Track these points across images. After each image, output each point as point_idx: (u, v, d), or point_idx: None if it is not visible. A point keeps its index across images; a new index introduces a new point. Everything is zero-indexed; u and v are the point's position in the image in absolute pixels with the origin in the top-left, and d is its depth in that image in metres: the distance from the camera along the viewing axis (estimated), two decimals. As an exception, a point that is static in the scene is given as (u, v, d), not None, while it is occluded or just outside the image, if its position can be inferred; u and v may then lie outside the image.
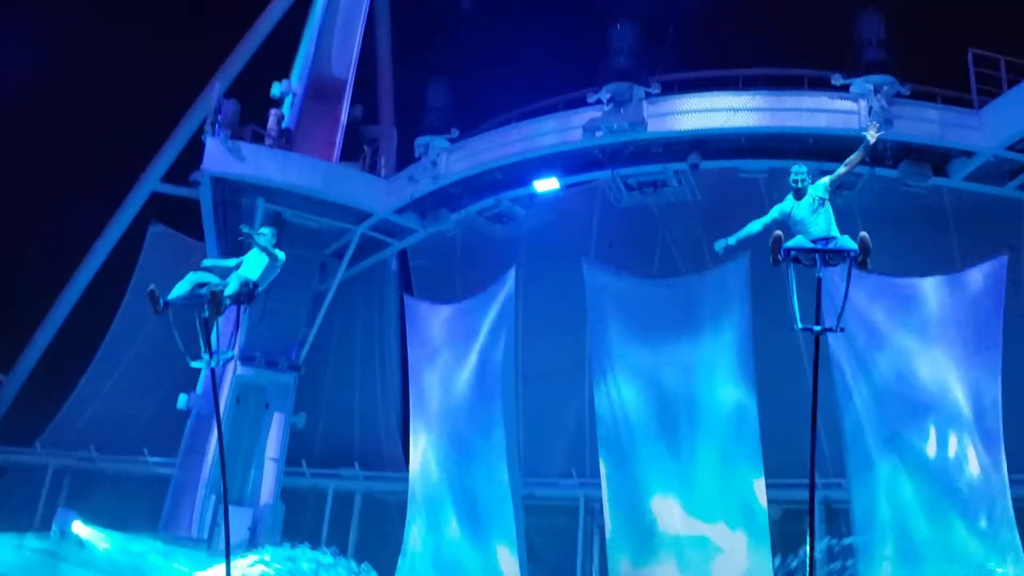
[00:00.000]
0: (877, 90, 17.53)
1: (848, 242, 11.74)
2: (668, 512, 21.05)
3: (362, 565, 20.83)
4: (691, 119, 18.66)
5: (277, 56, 26.90)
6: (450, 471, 23.00)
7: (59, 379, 28.80)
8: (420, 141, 21.53)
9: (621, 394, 21.96)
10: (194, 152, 23.89)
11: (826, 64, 18.27)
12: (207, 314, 13.12)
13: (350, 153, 25.20)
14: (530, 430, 22.96)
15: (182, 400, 23.04)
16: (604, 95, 19.04)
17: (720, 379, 20.91)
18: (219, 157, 21.87)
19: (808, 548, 11.61)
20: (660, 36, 19.87)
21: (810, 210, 12.13)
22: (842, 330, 12.37)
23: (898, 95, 17.72)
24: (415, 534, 23.06)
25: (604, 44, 19.29)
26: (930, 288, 19.50)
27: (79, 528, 21.55)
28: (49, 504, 26.54)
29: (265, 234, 13.12)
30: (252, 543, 21.80)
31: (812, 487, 12.08)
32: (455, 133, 21.27)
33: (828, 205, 12.20)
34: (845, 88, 17.90)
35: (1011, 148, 17.34)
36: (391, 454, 27.84)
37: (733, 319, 20.72)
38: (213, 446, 21.98)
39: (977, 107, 17.44)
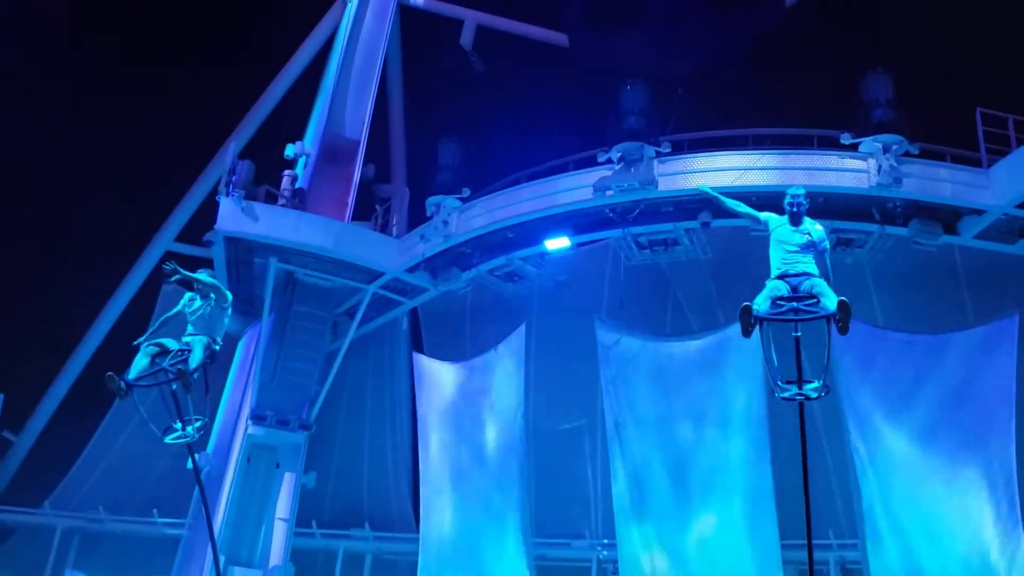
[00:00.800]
0: (886, 149, 17.61)
1: (829, 303, 11.08)
2: (683, 574, 20.84)
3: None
4: (701, 178, 18.68)
5: (292, 117, 27.25)
6: (461, 532, 22.85)
7: (68, 440, 28.72)
8: (432, 200, 21.64)
9: (634, 454, 21.84)
10: (208, 212, 24.09)
11: (835, 124, 18.39)
12: (175, 387, 13.17)
13: (362, 212, 25.37)
14: (541, 490, 22.81)
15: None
16: (615, 154, 19.16)
17: (734, 439, 20.80)
18: (233, 217, 22.00)
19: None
20: (670, 96, 20.07)
21: (797, 242, 11.68)
22: (827, 392, 11.70)
23: (907, 154, 17.79)
24: (427, 596, 22.93)
25: (614, 104, 19.44)
26: (942, 346, 19.46)
27: (87, 589, 21.43)
28: (58, 565, 26.39)
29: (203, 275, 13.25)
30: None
31: (810, 550, 12.16)
32: (466, 192, 21.38)
33: (826, 257, 11.78)
34: (854, 147, 17.98)
35: (1021, 206, 17.35)
36: (401, 514, 27.63)
37: (746, 378, 20.66)
38: (223, 507, 21.86)
39: (986, 166, 17.48)
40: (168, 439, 13.74)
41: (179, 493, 24.53)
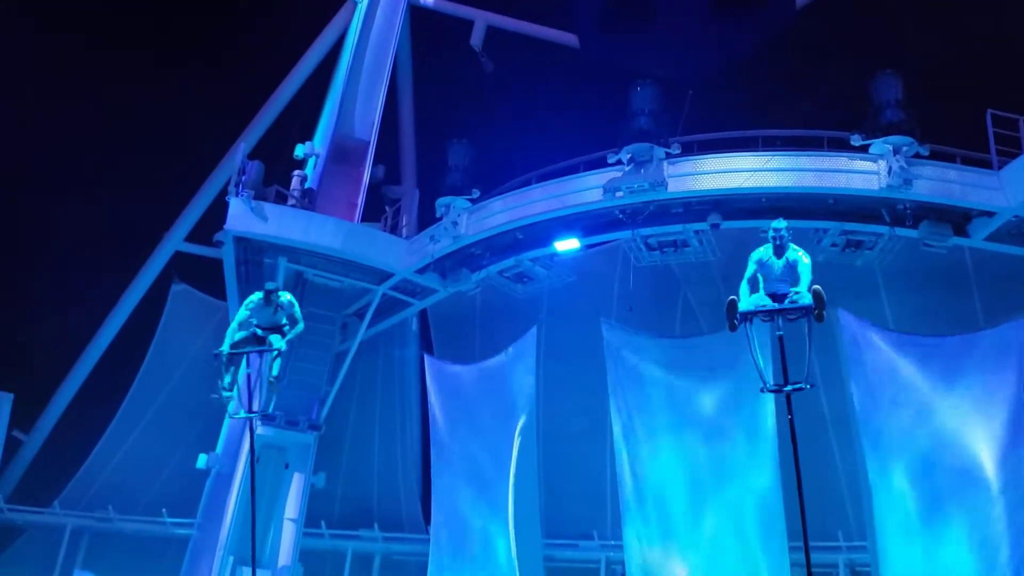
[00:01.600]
0: (896, 151, 17.54)
1: (805, 298, 12.41)
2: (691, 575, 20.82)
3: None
4: (711, 179, 18.69)
5: (302, 117, 27.31)
6: (473, 532, 22.86)
7: (78, 439, 28.85)
8: (441, 201, 21.62)
9: (642, 455, 21.81)
10: (217, 212, 24.14)
11: (845, 125, 18.34)
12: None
13: (372, 213, 25.40)
14: (550, 491, 22.84)
15: (202, 460, 22.97)
16: (624, 156, 19.11)
17: (741, 439, 20.77)
18: (242, 217, 22.00)
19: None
20: (680, 97, 20.05)
21: (784, 269, 12.99)
22: (812, 386, 12.88)
23: (917, 156, 17.73)
24: (437, 597, 22.95)
25: (624, 105, 19.40)
26: (952, 348, 19.40)
27: (96, 589, 21.51)
28: (67, 565, 26.52)
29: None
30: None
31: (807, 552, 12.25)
32: (476, 194, 21.36)
33: (808, 270, 12.91)
34: (865, 149, 17.92)
35: (1031, 208, 17.32)
36: (411, 515, 27.70)
37: (754, 379, 20.58)
38: (232, 507, 21.89)
39: (996, 167, 17.42)
40: (234, 412, 15.55)
41: (188, 493, 24.61)
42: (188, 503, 24.86)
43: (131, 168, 28.90)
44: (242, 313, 15.72)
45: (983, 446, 18.71)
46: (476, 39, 29.15)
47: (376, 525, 26.82)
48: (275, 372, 15.59)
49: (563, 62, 28.54)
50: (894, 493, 19.36)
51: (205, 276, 28.13)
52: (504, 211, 20.90)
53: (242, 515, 21.90)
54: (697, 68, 23.95)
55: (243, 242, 22.53)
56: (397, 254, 22.92)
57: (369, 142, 26.26)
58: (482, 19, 29.40)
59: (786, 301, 12.69)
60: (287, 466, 22.97)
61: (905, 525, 19.07)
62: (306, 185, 24.03)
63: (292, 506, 22.66)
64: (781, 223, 13.32)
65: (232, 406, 15.78)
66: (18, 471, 28.45)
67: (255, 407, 15.45)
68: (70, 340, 29.30)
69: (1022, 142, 17.28)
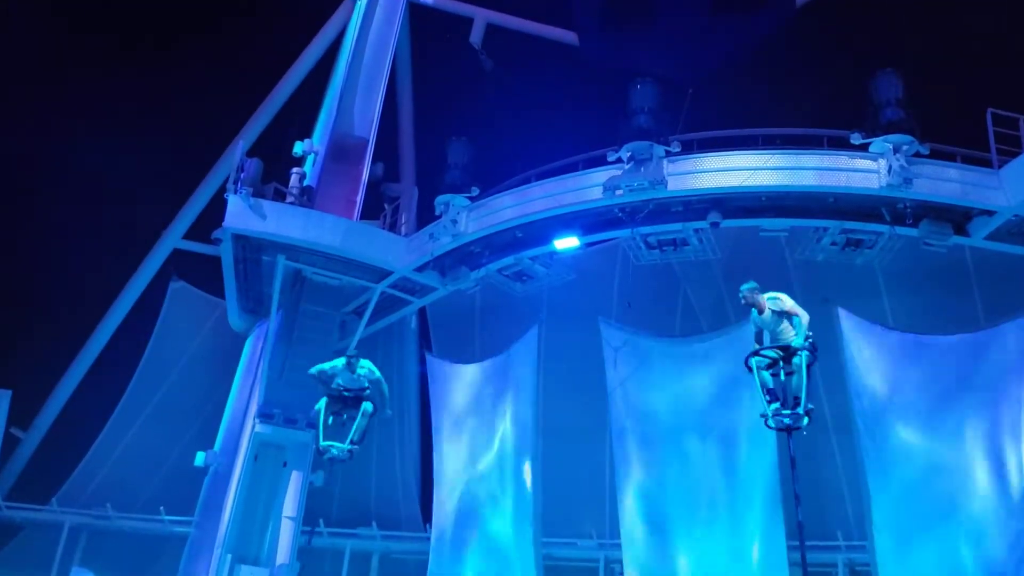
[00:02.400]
0: (897, 149, 17.48)
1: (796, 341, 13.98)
2: (690, 575, 20.81)
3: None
4: (711, 178, 18.64)
5: (301, 115, 27.28)
6: (473, 531, 22.88)
7: (76, 436, 28.84)
8: (440, 199, 21.55)
9: (640, 454, 21.82)
10: (216, 210, 24.10)
11: (845, 124, 18.29)
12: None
13: (371, 211, 25.33)
14: (548, 489, 22.79)
15: (200, 458, 22.92)
16: (624, 154, 19.05)
17: (740, 438, 20.77)
18: (241, 214, 21.94)
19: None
20: (680, 95, 19.97)
21: (775, 322, 14.37)
22: (808, 413, 13.95)
23: (918, 154, 17.67)
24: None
25: (624, 103, 19.34)
26: (952, 347, 19.40)
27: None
28: (65, 562, 26.49)
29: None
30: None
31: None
32: (475, 192, 21.29)
33: (791, 310, 14.27)
34: (865, 147, 17.87)
35: (1032, 207, 17.28)
36: (409, 513, 27.69)
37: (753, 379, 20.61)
38: (230, 505, 21.84)
39: (997, 166, 17.38)
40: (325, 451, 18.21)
41: (186, 491, 24.59)
42: (186, 501, 24.83)
43: (130, 165, 28.83)
44: (326, 374, 18.63)
45: (983, 445, 18.72)
46: (476, 37, 29.09)
47: (374, 524, 26.79)
48: (356, 436, 18.40)
49: (563, 60, 28.51)
50: (893, 492, 19.38)
51: (203, 274, 28.14)
52: (503, 209, 20.83)
53: (240, 513, 21.87)
54: (697, 66, 23.91)
55: (242, 240, 22.49)
56: (396, 252, 22.86)
57: (368, 139, 26.18)
58: (482, 17, 29.35)
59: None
60: (285, 464, 22.92)
61: (904, 525, 19.08)
62: (305, 183, 23.96)
63: (290, 504, 22.59)
64: (744, 287, 14.54)
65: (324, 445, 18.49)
66: (16, 468, 28.45)
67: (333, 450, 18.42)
68: (68, 337, 29.30)
69: (1022, 141, 17.24)
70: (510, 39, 29.08)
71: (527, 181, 20.77)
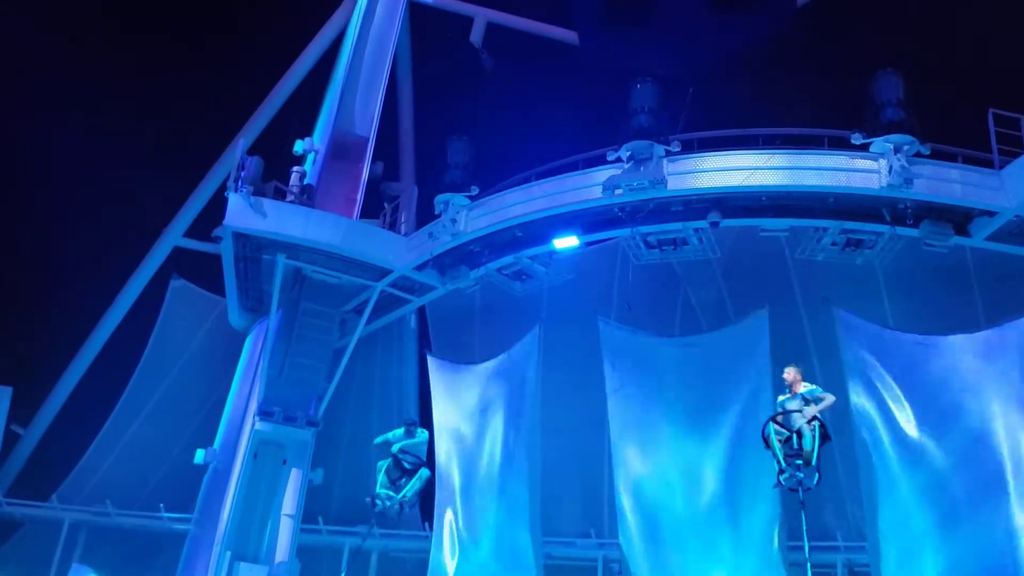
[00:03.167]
0: (897, 149, 17.45)
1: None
2: (688, 574, 20.83)
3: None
4: (711, 177, 18.63)
5: (301, 113, 27.27)
6: (474, 530, 22.91)
7: (77, 433, 28.84)
8: (440, 198, 21.53)
9: (639, 454, 21.83)
10: (216, 208, 24.10)
11: (846, 124, 18.27)
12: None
13: (371, 210, 25.32)
14: (547, 488, 22.79)
15: (199, 455, 22.96)
16: (624, 153, 19.04)
17: (740, 438, 20.77)
18: (241, 213, 21.95)
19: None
20: (680, 95, 19.95)
21: (799, 404, 15.72)
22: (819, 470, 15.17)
23: (918, 155, 17.65)
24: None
25: (624, 103, 19.32)
26: (953, 348, 19.39)
27: (93, 583, 21.49)
28: (64, 559, 26.45)
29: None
30: (268, 601, 21.68)
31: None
32: (475, 191, 21.27)
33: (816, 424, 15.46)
34: (865, 147, 17.85)
35: (1033, 208, 17.26)
36: (408, 512, 27.64)
37: (752, 376, 20.64)
38: (230, 502, 21.86)
39: (998, 167, 17.36)
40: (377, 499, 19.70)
41: (186, 488, 24.62)
42: (186, 498, 24.86)
43: (131, 162, 28.84)
44: (388, 441, 20.22)
45: (982, 445, 18.71)
46: (476, 36, 29.09)
47: (374, 521, 26.77)
48: (409, 494, 19.65)
49: (563, 59, 28.50)
50: (891, 492, 19.36)
51: (204, 272, 28.12)
52: (503, 208, 20.83)
53: (240, 511, 21.89)
54: (697, 66, 23.88)
55: (242, 238, 22.50)
56: (396, 251, 22.86)
57: (368, 138, 26.19)
58: (482, 16, 29.35)
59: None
60: (285, 462, 22.94)
61: (904, 524, 19.08)
62: (305, 181, 23.97)
63: (289, 502, 22.62)
64: (793, 366, 16.48)
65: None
66: (16, 465, 28.43)
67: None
68: (69, 334, 29.31)
69: (1024, 141, 17.25)
70: (510, 38, 29.08)
71: (527, 180, 20.76)
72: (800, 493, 15.15)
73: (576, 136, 21.20)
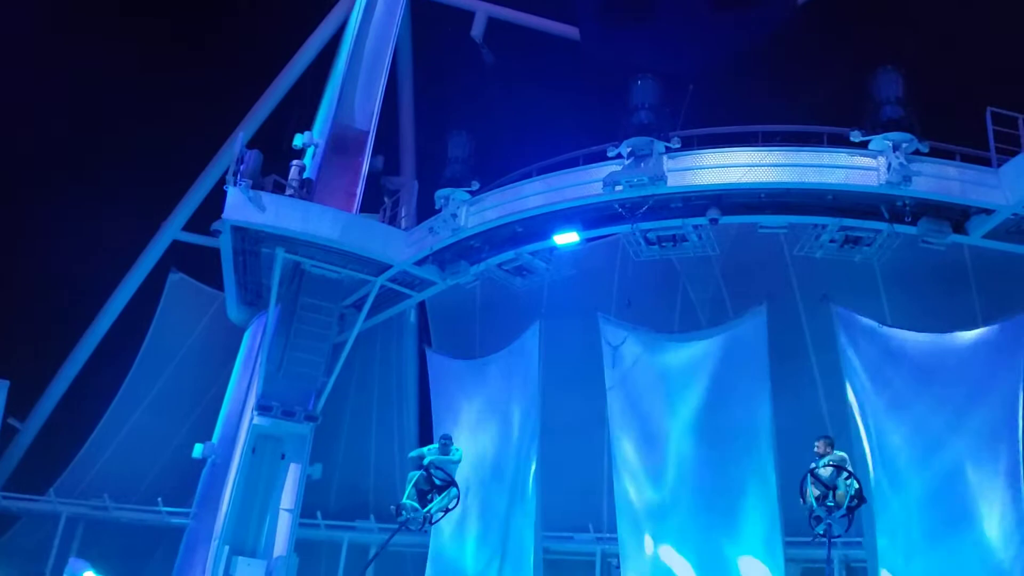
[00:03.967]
0: (896, 147, 17.49)
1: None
2: (686, 571, 20.87)
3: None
4: (710, 174, 18.66)
5: (301, 107, 27.26)
6: (471, 526, 22.95)
7: (74, 427, 28.86)
8: (440, 193, 21.53)
9: (638, 449, 21.87)
10: (215, 201, 24.09)
11: (845, 121, 18.31)
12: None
13: (370, 204, 25.30)
14: (547, 483, 22.84)
15: (197, 449, 22.94)
16: (624, 149, 19.06)
17: (738, 435, 20.83)
18: (240, 206, 21.91)
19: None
20: (680, 92, 19.97)
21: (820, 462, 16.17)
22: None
23: (917, 152, 17.69)
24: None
25: (625, 99, 19.35)
26: (950, 345, 19.45)
27: (90, 577, 21.51)
28: (62, 553, 26.47)
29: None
30: (265, 595, 21.70)
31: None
32: (475, 186, 21.27)
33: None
34: (864, 145, 17.89)
35: (1030, 206, 17.31)
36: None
37: (750, 372, 20.69)
38: (228, 496, 21.86)
39: (996, 165, 17.41)
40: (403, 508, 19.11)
41: (184, 483, 24.64)
42: (184, 492, 24.89)
43: (129, 156, 28.84)
44: (422, 455, 19.66)
45: (981, 443, 18.77)
46: (477, 30, 29.10)
47: (372, 516, 26.79)
48: (435, 510, 19.14)
49: (564, 55, 28.50)
50: (889, 490, 19.43)
51: (202, 266, 28.13)
52: (503, 204, 20.83)
53: (238, 505, 21.89)
54: (698, 63, 23.91)
55: (241, 232, 22.46)
56: (396, 246, 22.85)
57: (368, 132, 26.12)
58: (483, 10, 29.36)
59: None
60: (283, 457, 22.95)
61: (902, 523, 19.15)
62: (305, 175, 23.93)
63: (288, 496, 22.62)
64: (825, 439, 16.81)
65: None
66: (13, 459, 28.47)
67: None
68: (67, 328, 29.31)
69: (1022, 140, 17.25)
70: (511, 33, 29.09)
71: (527, 176, 20.78)
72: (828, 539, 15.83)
73: (576, 132, 21.21)
